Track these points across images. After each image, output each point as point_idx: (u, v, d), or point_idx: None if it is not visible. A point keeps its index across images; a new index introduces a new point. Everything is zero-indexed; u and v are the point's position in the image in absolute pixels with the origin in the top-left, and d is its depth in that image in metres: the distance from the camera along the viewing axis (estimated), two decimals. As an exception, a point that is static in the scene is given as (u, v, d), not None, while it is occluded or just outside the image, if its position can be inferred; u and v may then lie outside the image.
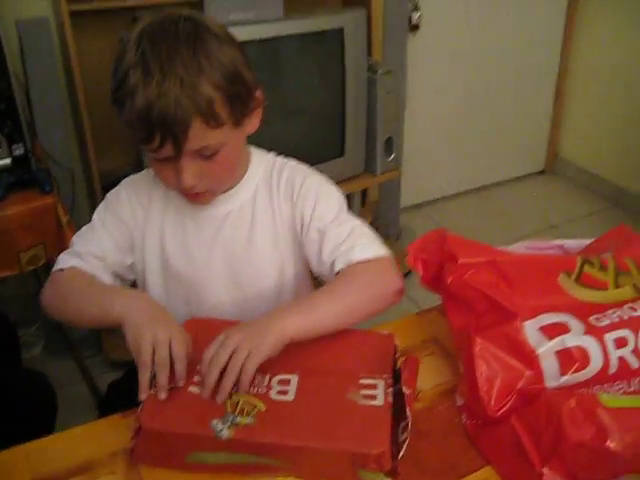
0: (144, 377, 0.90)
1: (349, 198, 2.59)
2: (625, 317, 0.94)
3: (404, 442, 0.85)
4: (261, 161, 1.20)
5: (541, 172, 3.65)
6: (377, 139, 2.52)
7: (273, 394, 0.90)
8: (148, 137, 0.98)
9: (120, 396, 1.23)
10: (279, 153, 1.24)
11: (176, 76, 0.95)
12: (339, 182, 1.23)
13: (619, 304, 0.96)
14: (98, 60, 2.17)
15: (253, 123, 1.10)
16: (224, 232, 1.16)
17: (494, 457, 0.91)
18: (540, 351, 0.90)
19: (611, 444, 0.78)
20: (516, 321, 0.93)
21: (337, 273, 1.09)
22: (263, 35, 2.11)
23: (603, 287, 0.98)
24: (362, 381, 0.93)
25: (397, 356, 0.98)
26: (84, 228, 1.18)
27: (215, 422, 0.85)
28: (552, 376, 0.90)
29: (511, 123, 3.41)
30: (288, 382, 0.93)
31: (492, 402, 0.90)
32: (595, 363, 0.90)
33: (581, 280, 0.98)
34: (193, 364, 0.93)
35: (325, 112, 2.44)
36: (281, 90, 2.29)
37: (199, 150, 1.01)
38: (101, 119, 2.16)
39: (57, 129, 2.01)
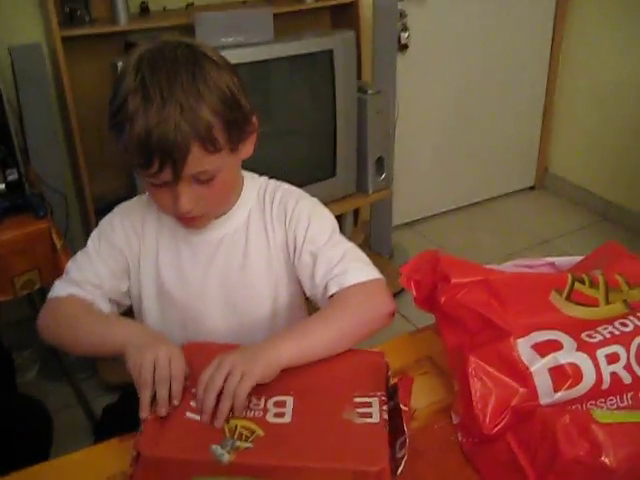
0: (145, 395, 0.90)
1: (341, 218, 2.60)
2: (616, 333, 0.95)
3: (402, 458, 0.86)
4: (254, 185, 1.20)
5: (531, 188, 3.68)
6: (368, 159, 2.54)
7: (270, 417, 0.91)
8: (147, 162, 0.98)
9: (115, 420, 1.24)
10: (271, 175, 1.25)
11: (176, 102, 0.96)
12: (331, 202, 1.24)
13: (610, 320, 0.97)
14: (90, 85, 2.19)
15: (247, 149, 1.11)
16: (218, 257, 1.17)
17: (490, 474, 0.91)
18: (533, 368, 0.91)
19: (605, 459, 0.78)
20: (509, 339, 0.93)
21: (330, 296, 1.10)
22: (254, 58, 2.14)
23: (594, 304, 0.99)
24: (356, 400, 0.93)
25: (389, 373, 0.99)
26: (78, 255, 1.18)
27: (215, 447, 0.85)
28: (546, 393, 0.91)
29: (501, 139, 3.44)
30: (284, 404, 0.93)
31: (487, 420, 0.91)
32: (588, 379, 0.91)
33: (572, 297, 1.00)
34: (190, 388, 0.94)
35: (316, 133, 2.46)
36: (272, 112, 2.31)
37: (196, 175, 1.02)
38: (93, 143, 2.18)
39: (50, 154, 2.02)
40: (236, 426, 0.89)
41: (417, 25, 2.89)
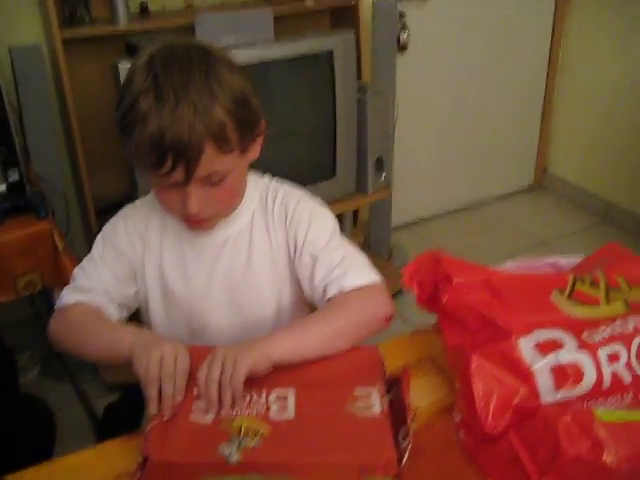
0: (152, 391, 0.91)
1: (341, 218, 2.60)
2: (617, 332, 0.96)
3: (406, 448, 0.87)
4: (257, 186, 1.21)
5: (530, 188, 3.67)
6: (368, 159, 2.55)
7: (273, 414, 0.92)
8: (159, 162, 0.98)
9: (117, 419, 1.24)
10: (271, 175, 1.25)
11: (190, 101, 0.96)
12: (331, 203, 1.24)
13: (611, 319, 0.98)
14: (90, 85, 2.20)
15: (255, 151, 1.11)
16: (223, 258, 1.17)
17: (492, 473, 0.92)
18: (535, 367, 0.92)
19: (607, 458, 0.79)
20: (511, 338, 0.94)
21: (329, 299, 1.10)
22: (254, 58, 2.14)
23: (595, 303, 1.00)
24: (357, 392, 0.95)
25: (384, 366, 1.01)
26: (84, 262, 1.19)
27: (222, 447, 0.86)
28: (547, 392, 0.91)
29: (500, 140, 3.44)
30: (285, 399, 0.94)
31: (489, 418, 0.91)
32: (589, 378, 0.92)
33: (573, 297, 1.00)
34: (191, 391, 0.94)
35: (316, 133, 2.47)
36: (272, 112, 2.31)
37: (208, 176, 1.02)
38: (94, 143, 2.19)
39: (50, 154, 2.03)
40: (241, 426, 0.89)
41: (416, 26, 2.89)
